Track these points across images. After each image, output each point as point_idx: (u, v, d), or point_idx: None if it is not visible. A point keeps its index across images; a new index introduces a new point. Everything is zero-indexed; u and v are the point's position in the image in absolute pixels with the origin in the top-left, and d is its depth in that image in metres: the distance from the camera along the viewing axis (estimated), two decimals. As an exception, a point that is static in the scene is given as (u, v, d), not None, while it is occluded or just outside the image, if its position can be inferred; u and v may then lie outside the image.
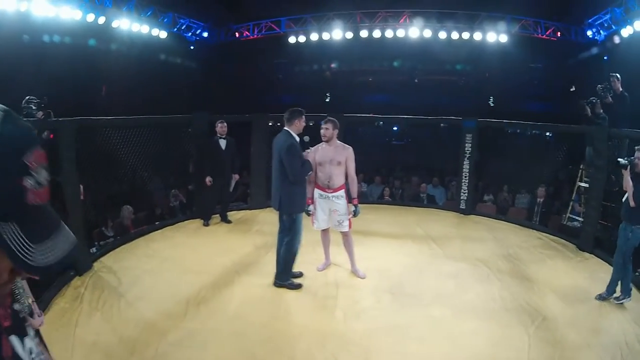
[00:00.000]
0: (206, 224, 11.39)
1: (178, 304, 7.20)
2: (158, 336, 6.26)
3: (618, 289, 7.77)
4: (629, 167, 7.53)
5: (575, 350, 6.47)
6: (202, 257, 9.26)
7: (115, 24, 15.86)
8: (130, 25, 16.35)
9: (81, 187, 8.64)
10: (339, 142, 8.24)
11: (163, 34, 17.93)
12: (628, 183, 7.58)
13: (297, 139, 7.60)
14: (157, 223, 11.35)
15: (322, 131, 8.09)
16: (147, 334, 6.33)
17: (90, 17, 14.97)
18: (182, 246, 9.91)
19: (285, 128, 7.64)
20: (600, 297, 7.86)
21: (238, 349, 6.15)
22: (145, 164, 11.97)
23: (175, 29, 18.70)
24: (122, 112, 12.56)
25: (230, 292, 7.74)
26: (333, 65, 22.48)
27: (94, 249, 9.28)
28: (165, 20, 17.94)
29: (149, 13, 16.89)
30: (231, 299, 7.51)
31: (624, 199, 7.81)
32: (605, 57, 17.52)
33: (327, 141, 8.10)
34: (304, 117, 7.75)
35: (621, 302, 7.67)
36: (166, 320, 6.72)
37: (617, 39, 16.40)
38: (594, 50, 17.96)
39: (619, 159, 7.76)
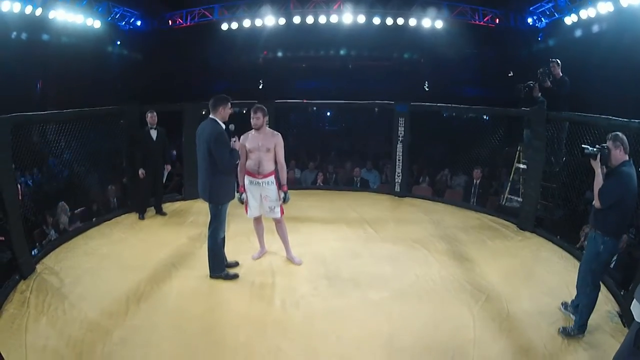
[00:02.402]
0: (141, 218, 11.20)
1: (119, 302, 7.09)
2: (103, 336, 6.19)
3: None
4: (598, 156, 6.14)
5: (522, 326, 6.54)
6: (139, 252, 9.12)
7: (51, 14, 15.43)
8: (65, 15, 15.95)
9: (18, 186, 8.38)
10: (268, 129, 8.19)
11: (97, 24, 17.54)
12: (598, 177, 6.15)
13: (223, 126, 7.48)
14: (94, 219, 11.08)
15: (252, 121, 7.98)
16: (93, 334, 6.24)
17: (29, 9, 14.55)
18: (119, 242, 9.73)
19: (211, 116, 7.51)
20: (565, 307, 7.07)
21: (180, 343, 6.11)
22: (81, 158, 11.66)
23: (110, 18, 18.31)
24: (58, 106, 12.23)
25: (168, 286, 7.65)
26: (266, 52, 22.37)
27: (35, 251, 9.07)
28: (100, 9, 17.52)
29: (84, 2, 16.48)
30: (169, 293, 7.44)
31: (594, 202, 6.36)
32: (544, 44, 17.77)
33: (257, 129, 8.00)
34: (229, 104, 7.61)
35: (568, 335, 6.38)
36: (109, 319, 6.62)
37: (559, 26, 16.63)
38: (535, 36, 18.15)
39: (585, 147, 6.27)
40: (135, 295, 7.30)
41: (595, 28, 14.97)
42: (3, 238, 7.98)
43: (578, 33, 15.70)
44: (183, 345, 6.04)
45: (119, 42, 19.89)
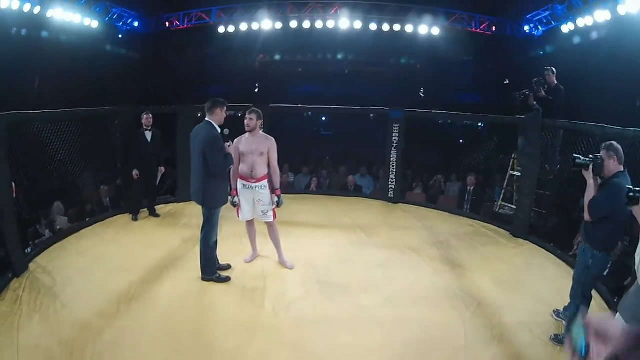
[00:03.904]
0: (134, 219, 11.19)
1: (110, 302, 7.08)
2: (94, 336, 6.17)
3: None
4: (591, 167, 5.86)
5: (514, 333, 6.53)
6: (131, 253, 9.11)
7: (49, 13, 15.37)
8: (63, 14, 15.83)
9: (13, 184, 8.35)
10: (261, 132, 8.25)
11: (95, 24, 17.38)
12: (590, 189, 5.92)
13: (219, 130, 7.48)
14: (87, 219, 11.07)
15: (246, 121, 8.01)
16: (83, 334, 6.22)
17: (27, 7, 14.49)
18: (111, 242, 9.74)
19: (207, 119, 7.51)
20: (557, 314, 7.04)
21: (170, 345, 6.08)
22: (76, 158, 11.65)
23: (107, 19, 18.15)
24: (55, 105, 12.19)
25: (159, 288, 7.64)
26: (262, 56, 22.33)
27: (29, 249, 9.05)
28: (98, 9, 17.42)
29: (82, 2, 16.41)
30: (160, 295, 7.42)
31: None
32: (541, 52, 17.75)
33: (250, 131, 8.04)
34: (225, 107, 7.63)
35: (561, 343, 6.31)
36: (100, 319, 6.61)
37: (557, 35, 16.64)
38: (531, 45, 18.16)
39: (577, 157, 5.94)
40: (127, 296, 7.28)
41: (593, 36, 14.93)
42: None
43: (575, 41, 15.60)
44: (173, 348, 6.01)
45: (119, 43, 19.87)
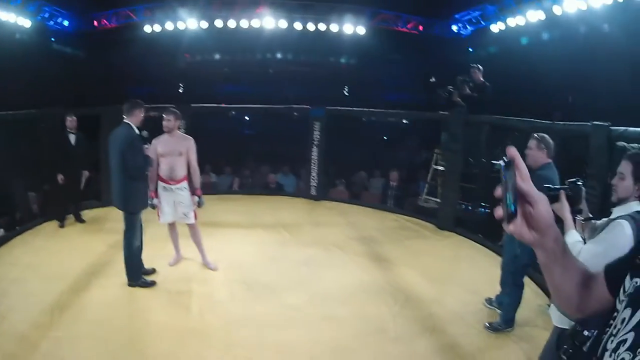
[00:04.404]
0: (61, 225, 11.04)
1: (43, 313, 6.98)
2: (32, 348, 6.10)
3: None
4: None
5: (446, 323, 6.64)
6: (60, 261, 8.96)
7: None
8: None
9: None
10: (179, 132, 8.29)
11: (27, 23, 17.02)
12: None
13: (137, 132, 7.43)
14: (17, 228, 10.92)
15: (164, 122, 7.99)
16: (22, 346, 6.16)
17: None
18: (41, 251, 9.58)
19: (125, 120, 7.45)
20: (489, 302, 7.19)
21: (103, 354, 6.04)
22: (5, 165, 11.44)
23: (40, 17, 17.79)
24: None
25: (88, 296, 7.56)
26: (188, 56, 22.16)
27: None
28: (31, 7, 17.07)
29: (19, 1, 16.09)
30: (90, 303, 7.34)
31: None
32: (469, 51, 18.01)
33: (168, 132, 8.01)
34: (144, 109, 7.61)
35: (496, 330, 6.49)
36: (36, 330, 6.53)
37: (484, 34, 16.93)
38: (459, 44, 18.40)
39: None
40: (58, 305, 7.20)
41: (524, 36, 15.18)
42: None
43: (505, 41, 15.90)
44: (107, 356, 5.99)
45: (48, 43, 19.51)
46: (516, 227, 1.56)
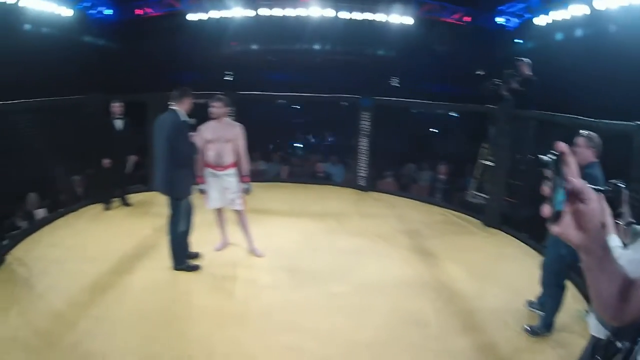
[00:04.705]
0: (107, 208, 11.17)
1: (84, 292, 7.08)
2: (69, 326, 6.17)
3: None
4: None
5: (486, 322, 6.54)
6: (104, 243, 9.08)
7: (22, 2, 15.20)
8: (38, 4, 15.65)
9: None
10: (228, 119, 8.27)
11: (68, 12, 17.23)
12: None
13: (184, 118, 7.48)
14: (60, 210, 11.04)
15: (212, 109, 8.02)
16: (60, 324, 6.23)
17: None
18: (84, 233, 9.71)
19: (173, 107, 7.49)
20: (531, 305, 6.98)
21: (142, 334, 6.09)
22: (48, 148, 11.54)
23: (80, 6, 18.00)
24: (27, 95, 12.09)
25: (131, 277, 7.63)
26: (234, 44, 22.20)
27: (5, 242, 8.93)
28: (70, -3, 17.30)
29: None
30: (132, 284, 7.42)
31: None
32: (516, 44, 17.82)
33: (216, 119, 8.03)
34: (192, 96, 7.66)
35: (536, 334, 6.35)
36: (75, 309, 6.61)
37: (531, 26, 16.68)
38: (505, 36, 18.19)
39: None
40: (99, 285, 7.28)
41: (569, 30, 14.97)
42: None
43: (551, 34, 15.67)
44: (144, 337, 6.01)
45: (91, 32, 19.70)
46: (563, 227, 1.50)
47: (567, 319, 6.60)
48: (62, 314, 6.46)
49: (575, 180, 1.45)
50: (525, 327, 6.40)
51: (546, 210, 1.50)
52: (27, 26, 16.11)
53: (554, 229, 1.51)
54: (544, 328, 6.32)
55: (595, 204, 1.48)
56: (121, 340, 5.94)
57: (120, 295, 7.06)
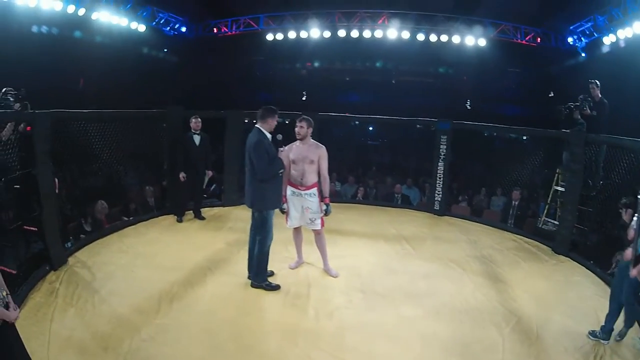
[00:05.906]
0: (179, 220, 11.33)
1: (150, 300, 7.19)
2: (131, 332, 6.27)
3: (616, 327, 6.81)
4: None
5: (550, 350, 6.49)
6: (175, 254, 9.23)
7: (94, 16, 15.68)
8: (109, 17, 16.19)
9: (56, 180, 8.52)
10: (312, 140, 8.27)
11: (142, 28, 17.74)
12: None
13: (269, 137, 7.57)
14: (130, 218, 11.23)
15: (296, 129, 8.09)
16: (120, 329, 6.34)
17: (71, 9, 14.79)
18: (155, 242, 9.87)
19: (257, 125, 7.59)
20: (594, 335, 6.88)
21: (209, 345, 6.15)
22: (121, 158, 11.87)
23: (154, 23, 18.51)
24: (99, 104, 12.41)
25: (201, 289, 7.72)
26: (310, 64, 22.34)
27: (69, 244, 9.13)
28: (144, 14, 17.74)
29: (128, 6, 16.69)
30: (202, 296, 7.50)
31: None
32: (584, 64, 17.60)
33: (301, 139, 8.12)
34: (276, 115, 7.71)
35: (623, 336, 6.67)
36: (139, 316, 6.72)
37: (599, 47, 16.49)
38: (575, 56, 18.02)
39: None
40: (168, 295, 7.39)
41: (634, 48, 14.75)
42: (36, 228, 8.08)
43: (617, 53, 15.48)
44: (212, 348, 6.09)
45: (165, 50, 20.14)
46: None
47: (617, 345, 6.66)
48: (124, 319, 6.60)
49: None
50: (589, 332, 6.76)
51: (628, 253, 1.58)
52: (99, 38, 16.50)
53: (633, 272, 1.62)
54: (624, 329, 6.60)
55: None
56: (185, 350, 6.03)
57: (189, 306, 7.16)
